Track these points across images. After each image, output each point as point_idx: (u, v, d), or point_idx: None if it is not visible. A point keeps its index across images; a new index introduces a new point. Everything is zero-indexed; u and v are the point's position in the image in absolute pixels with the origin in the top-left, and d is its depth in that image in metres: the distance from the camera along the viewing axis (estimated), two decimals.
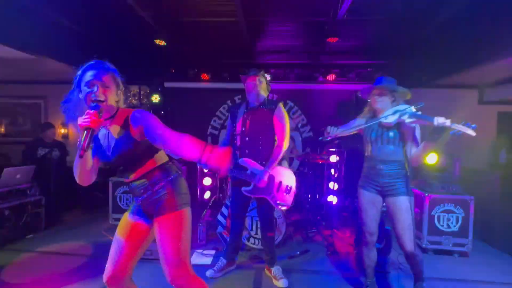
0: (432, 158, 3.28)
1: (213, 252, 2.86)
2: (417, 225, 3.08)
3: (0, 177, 2.88)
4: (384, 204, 1.94)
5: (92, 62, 1.31)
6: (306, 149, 4.91)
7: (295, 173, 3.65)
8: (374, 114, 1.99)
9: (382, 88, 1.90)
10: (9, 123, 5.62)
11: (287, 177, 2.27)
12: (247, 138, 2.22)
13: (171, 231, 1.30)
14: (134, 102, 5.48)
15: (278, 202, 2.23)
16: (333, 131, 1.91)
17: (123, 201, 3.41)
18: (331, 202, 4.24)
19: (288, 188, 2.27)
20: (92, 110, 1.14)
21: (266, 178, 2.15)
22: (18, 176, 3.06)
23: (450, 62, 3.90)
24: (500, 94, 4.54)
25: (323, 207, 3.88)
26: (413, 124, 1.80)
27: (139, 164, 1.34)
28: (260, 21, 3.61)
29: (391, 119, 1.79)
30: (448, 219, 2.85)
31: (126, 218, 1.41)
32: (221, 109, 5.14)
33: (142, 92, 5.39)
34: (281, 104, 2.27)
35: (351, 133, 1.99)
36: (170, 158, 1.47)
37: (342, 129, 1.95)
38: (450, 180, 2.98)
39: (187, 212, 1.37)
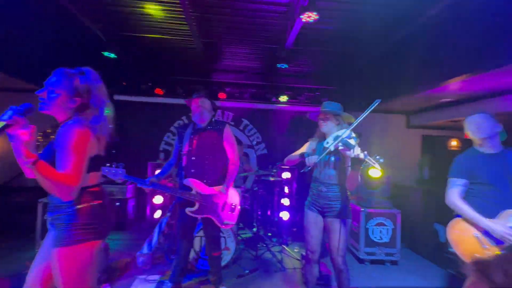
0: (375, 173, 3.68)
1: (157, 276, 2.70)
2: (355, 237, 3.37)
3: None
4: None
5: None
6: (258, 166, 5.06)
7: (247, 191, 3.76)
8: (323, 137, 2.09)
9: (326, 113, 2.00)
10: None
11: (231, 196, 2.34)
12: (193, 158, 2.23)
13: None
14: None
15: (223, 221, 2.26)
16: (312, 160, 1.89)
17: None
18: (282, 218, 4.39)
19: (233, 206, 2.33)
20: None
21: (224, 196, 2.23)
22: None
23: (380, 90, 4.49)
24: (424, 119, 5.33)
25: (274, 224, 3.99)
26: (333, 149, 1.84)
27: None
28: (215, 42, 3.74)
29: (330, 145, 1.86)
30: (380, 231, 3.18)
31: None
32: (175, 124, 5.04)
33: None
34: (227, 125, 2.36)
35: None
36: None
37: (311, 157, 1.91)
38: (383, 196, 3.35)
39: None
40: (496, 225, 1.61)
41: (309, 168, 1.89)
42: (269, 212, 4.15)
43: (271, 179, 3.77)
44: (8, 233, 3.70)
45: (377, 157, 1.66)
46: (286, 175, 4.55)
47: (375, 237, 3.17)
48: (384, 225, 3.19)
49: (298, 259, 3.23)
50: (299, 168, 2.20)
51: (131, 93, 4.76)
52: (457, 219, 1.78)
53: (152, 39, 3.64)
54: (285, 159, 2.19)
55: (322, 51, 3.80)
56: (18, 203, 4.05)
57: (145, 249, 2.91)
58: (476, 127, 1.78)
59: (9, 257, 3.07)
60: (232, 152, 2.31)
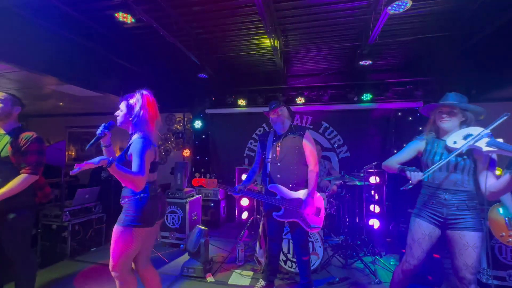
0: None
1: (251, 273, 2.93)
2: None
3: (74, 197, 3.42)
4: (439, 235, 1.74)
5: None
6: (342, 170, 4.82)
7: (333, 196, 3.64)
8: (436, 135, 1.79)
9: (453, 106, 1.67)
10: (79, 149, 6.63)
11: (316, 200, 2.33)
12: (278, 164, 2.34)
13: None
14: (179, 127, 6.05)
15: (310, 225, 2.28)
16: (417, 177, 1.57)
17: (170, 220, 3.72)
18: (373, 226, 4.04)
19: (318, 210, 2.32)
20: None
21: (310, 203, 2.27)
22: (86, 196, 3.59)
23: (501, 72, 3.59)
24: None
25: (363, 231, 3.71)
26: (487, 153, 1.50)
27: None
28: (293, 50, 3.84)
29: (461, 145, 1.53)
30: None
31: None
32: (257, 131, 5.38)
33: (185, 119, 5.94)
34: (307, 131, 2.40)
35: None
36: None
37: (415, 174, 1.60)
38: None
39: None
40: None
41: (412, 186, 1.59)
42: (357, 219, 3.90)
43: (358, 183, 3.55)
44: None
45: None
46: (374, 179, 4.19)
47: (504, 258, 2.54)
48: None
49: None
50: (398, 180, 1.90)
51: (219, 106, 5.37)
52: (498, 203, 2.22)
53: (235, 56, 4.04)
54: (384, 164, 1.86)
55: (412, 40, 3.36)
56: None
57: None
58: None
59: None
60: (310, 158, 2.33)
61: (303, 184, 2.34)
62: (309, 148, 2.33)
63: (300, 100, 4.83)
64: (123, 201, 1.68)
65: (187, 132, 5.85)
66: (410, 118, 4.57)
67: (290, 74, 4.93)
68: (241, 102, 5.11)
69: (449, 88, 4.37)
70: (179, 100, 5.48)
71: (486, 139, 1.45)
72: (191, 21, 3.07)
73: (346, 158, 4.96)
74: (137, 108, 1.68)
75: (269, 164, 2.38)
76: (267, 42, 3.45)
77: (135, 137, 1.64)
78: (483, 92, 4.06)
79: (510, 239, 2.13)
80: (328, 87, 4.85)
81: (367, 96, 4.58)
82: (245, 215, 4.80)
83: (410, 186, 1.59)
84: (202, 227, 2.91)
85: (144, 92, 1.73)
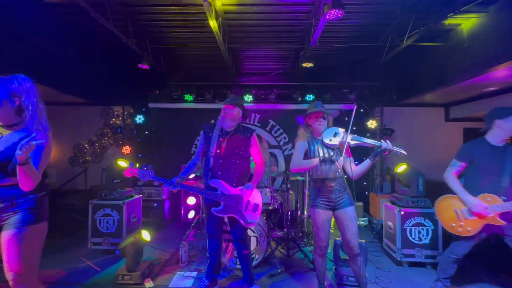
0: (401, 167, 3.49)
1: (194, 273, 2.85)
2: (391, 238, 3.23)
3: None
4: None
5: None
6: (287, 166, 5.06)
7: (277, 191, 3.79)
8: (312, 136, 2.20)
9: (325, 113, 2.12)
10: None
11: (254, 196, 2.39)
12: (221, 161, 2.31)
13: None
14: (118, 122, 5.51)
15: (247, 220, 2.33)
16: (341, 161, 1.97)
17: (103, 224, 3.36)
18: None
19: (255, 205, 2.38)
20: None
21: (248, 195, 2.32)
22: None
23: (414, 82, 4.24)
24: (465, 111, 4.93)
25: (304, 224, 3.97)
26: (353, 146, 2.02)
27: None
28: (240, 47, 3.85)
29: (335, 141, 2.01)
30: (419, 232, 3.00)
31: None
32: (208, 124, 5.24)
33: (125, 113, 5.44)
34: (254, 132, 2.45)
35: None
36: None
37: (339, 158, 1.99)
38: (417, 195, 3.17)
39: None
40: (475, 201, 2.14)
41: (339, 170, 2.02)
42: (299, 212, 4.14)
43: (300, 179, 3.76)
44: (63, 231, 4.15)
45: (402, 146, 1.88)
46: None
47: (413, 238, 3.01)
48: (424, 225, 3.01)
49: (331, 260, 3.18)
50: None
51: (164, 101, 5.07)
52: (446, 195, 2.36)
53: (180, 49, 3.86)
54: (295, 166, 2.12)
55: (347, 48, 3.71)
56: (71, 205, 4.52)
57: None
58: None
59: (65, 252, 3.44)
60: (258, 157, 2.42)
61: (243, 183, 2.37)
62: (255, 149, 2.40)
63: (248, 98, 4.88)
64: (17, 201, 1.42)
65: (127, 127, 5.36)
66: (346, 119, 5.06)
67: (239, 72, 4.95)
68: (188, 97, 4.92)
69: (377, 92, 4.94)
70: (117, 92, 4.97)
71: (350, 135, 1.99)
72: (127, 4, 2.80)
73: (291, 155, 5.20)
74: (32, 99, 1.44)
75: (212, 158, 2.33)
76: (211, 36, 3.37)
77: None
78: (401, 98, 4.74)
79: (460, 229, 2.24)
80: (275, 86, 5.02)
81: (309, 97, 4.89)
82: (191, 214, 4.63)
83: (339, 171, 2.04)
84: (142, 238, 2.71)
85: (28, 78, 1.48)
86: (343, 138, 1.99)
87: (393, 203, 3.30)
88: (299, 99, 4.92)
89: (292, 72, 4.82)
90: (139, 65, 3.76)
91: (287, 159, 5.20)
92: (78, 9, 2.81)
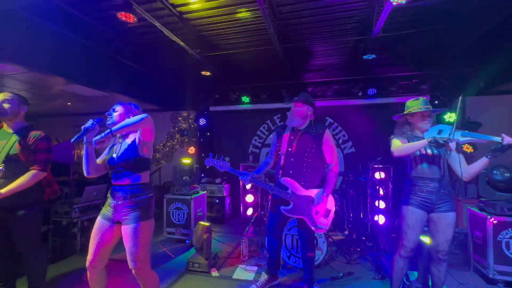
0: (500, 173, 2.92)
1: (255, 268, 2.96)
2: (480, 251, 2.74)
3: (82, 194, 3.51)
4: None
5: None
6: (347, 166, 4.79)
7: (336, 192, 3.63)
8: (412, 134, 2.03)
9: (429, 111, 1.97)
10: None
11: (328, 201, 2.28)
12: (292, 159, 2.28)
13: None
14: (184, 125, 6.11)
15: (317, 225, 2.25)
16: (453, 146, 1.88)
17: (175, 216, 3.78)
18: (378, 221, 4.01)
19: (328, 211, 2.28)
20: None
21: (323, 202, 2.23)
22: (94, 193, 3.68)
23: (499, 67, 3.49)
24: None
25: (368, 227, 3.69)
26: (463, 143, 1.83)
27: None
28: (295, 45, 3.81)
29: (441, 139, 1.81)
30: None
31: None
32: (261, 128, 5.38)
33: (190, 116, 5.99)
34: (327, 129, 2.32)
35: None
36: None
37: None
38: None
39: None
40: None
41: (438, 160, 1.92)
42: (361, 215, 3.88)
43: (362, 179, 3.53)
44: None
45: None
46: (379, 175, 4.15)
47: (511, 253, 2.49)
48: None
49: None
50: (395, 163, 2.10)
51: (223, 103, 5.39)
52: None
53: (237, 54, 4.04)
54: (398, 150, 1.94)
55: (417, 33, 3.29)
56: None
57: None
58: None
59: None
60: (331, 158, 2.28)
61: (315, 184, 2.29)
62: (329, 146, 2.27)
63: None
64: (133, 199, 1.70)
65: (192, 130, 5.90)
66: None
67: (296, 69, 4.91)
68: (245, 98, 5.12)
69: (457, 81, 4.28)
70: (183, 98, 5.53)
71: (459, 131, 1.79)
72: (191, 19, 3.08)
73: (351, 154, 4.92)
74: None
75: (283, 156, 2.31)
76: (268, 37, 3.43)
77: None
78: (491, 85, 3.96)
79: None
80: (332, 82, 4.81)
81: (372, 91, 4.52)
82: (250, 211, 4.83)
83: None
84: (204, 223, 2.95)
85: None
86: (450, 135, 1.78)
87: (481, 209, 2.80)
88: (360, 93, 4.60)
89: (351, 66, 4.53)
90: (202, 72, 4.10)
91: (347, 158, 4.93)
92: (151, 29, 3.24)
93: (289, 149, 2.28)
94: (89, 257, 1.73)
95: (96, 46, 3.40)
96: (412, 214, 1.96)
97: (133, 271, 1.70)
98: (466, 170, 1.90)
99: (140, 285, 1.78)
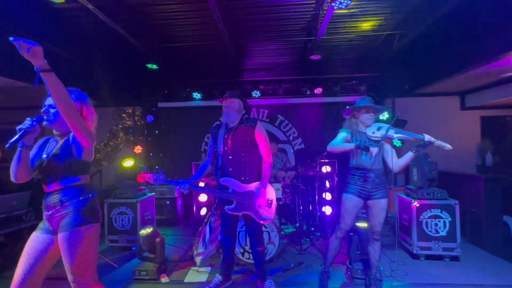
0: None
1: (209, 269, 2.88)
2: (406, 231, 3.16)
3: None
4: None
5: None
6: (297, 161, 5.03)
7: (288, 187, 3.77)
8: (357, 128, 2.28)
9: (373, 107, 2.22)
10: (3, 148, 5.70)
11: (267, 192, 2.36)
12: (230, 157, 2.30)
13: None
14: (129, 122, 5.61)
15: (262, 217, 2.31)
16: (374, 151, 2.08)
17: (119, 222, 3.44)
18: (325, 212, 4.31)
19: (269, 202, 2.36)
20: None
21: (263, 195, 2.28)
22: (14, 202, 3.11)
23: (428, 70, 4.10)
24: (482, 99, 4.73)
25: (316, 218, 3.94)
26: (396, 138, 2.15)
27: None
28: (245, 42, 3.82)
29: (379, 134, 2.13)
30: (436, 224, 2.92)
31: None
32: (214, 126, 5.26)
33: (136, 113, 5.53)
34: (259, 122, 2.40)
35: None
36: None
37: (374, 148, 2.11)
38: (435, 186, 3.08)
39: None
40: None
41: (371, 155, 2.14)
42: (311, 207, 4.11)
43: (311, 173, 3.74)
44: None
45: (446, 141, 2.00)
46: (326, 169, 4.45)
47: (430, 231, 2.93)
48: (440, 217, 2.93)
49: (344, 254, 3.15)
50: (340, 157, 2.36)
51: (173, 100, 5.11)
52: None
53: (187, 47, 3.86)
54: (331, 146, 2.23)
55: (357, 37, 3.62)
56: None
57: (200, 248, 2.98)
58: None
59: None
60: (264, 149, 2.34)
61: (255, 177, 2.35)
62: (261, 139, 2.32)
63: (256, 93, 4.86)
64: (65, 204, 1.44)
65: (138, 127, 5.45)
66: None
67: (246, 67, 4.92)
68: (196, 95, 4.94)
69: (388, 83, 4.82)
70: (127, 93, 5.05)
71: (393, 129, 2.12)
72: (134, 5, 2.82)
73: (301, 149, 5.18)
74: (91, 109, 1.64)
75: (220, 157, 2.33)
76: (218, 32, 3.35)
77: None
78: (414, 88, 4.60)
79: None
80: (282, 81, 4.97)
81: (318, 90, 4.82)
82: (203, 211, 4.70)
83: (370, 156, 2.15)
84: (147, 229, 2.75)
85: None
86: (386, 132, 2.10)
87: (407, 195, 3.23)
88: (308, 92, 4.86)
89: (300, 66, 4.75)
90: (147, 65, 3.80)
91: (297, 154, 5.16)
92: (84, 13, 2.86)
93: (225, 148, 2.31)
94: (16, 283, 1.38)
95: (14, 28, 2.85)
96: (350, 201, 2.22)
97: (72, 286, 1.42)
98: (396, 162, 2.21)
99: None
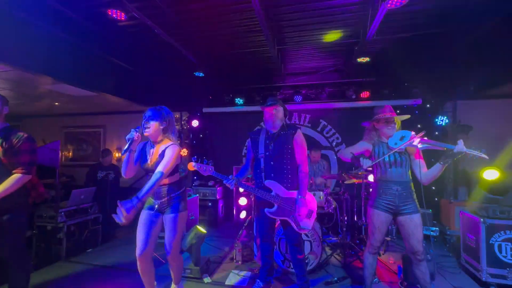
0: (491, 174, 2.96)
1: (249, 273, 2.90)
2: (472, 253, 2.76)
3: (69, 198, 3.38)
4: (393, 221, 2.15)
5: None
6: (340, 168, 4.80)
7: (331, 194, 3.61)
8: (379, 139, 2.19)
9: (393, 117, 2.12)
10: (76, 149, 6.57)
11: (309, 201, 2.29)
12: (272, 163, 2.28)
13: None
14: (177, 126, 6.00)
15: (300, 226, 2.24)
16: (366, 163, 2.10)
17: None
18: None
19: (310, 212, 2.28)
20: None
21: (304, 205, 2.22)
22: (82, 196, 3.55)
23: (492, 71, 3.56)
24: None
25: (362, 230, 3.69)
26: (422, 148, 1.99)
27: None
28: (289, 47, 3.80)
29: (402, 144, 1.99)
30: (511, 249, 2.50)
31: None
32: (255, 130, 5.33)
33: (183, 118, 5.89)
34: (299, 129, 2.35)
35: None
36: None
37: (366, 161, 2.17)
38: (510, 204, 2.64)
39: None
40: None
41: (362, 169, 2.16)
42: (356, 217, 3.87)
43: (355, 181, 3.52)
44: (133, 226, 4.68)
45: (483, 149, 1.74)
46: (372, 178, 4.15)
47: (504, 256, 2.51)
48: None
49: (395, 272, 2.89)
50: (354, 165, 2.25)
51: (216, 105, 5.33)
52: None
53: (231, 55, 3.99)
54: (340, 153, 2.31)
55: (411, 37, 3.32)
56: None
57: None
58: None
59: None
60: (300, 158, 2.29)
61: (296, 184, 2.30)
62: (299, 146, 2.29)
63: (298, 98, 4.79)
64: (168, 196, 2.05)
65: (185, 132, 5.80)
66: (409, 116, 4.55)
67: (288, 72, 4.89)
68: (239, 100, 5.07)
69: (448, 85, 4.30)
70: (176, 99, 5.43)
71: (418, 138, 1.94)
72: (186, 19, 3.02)
73: None
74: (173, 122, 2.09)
75: (262, 159, 2.31)
76: (263, 39, 3.40)
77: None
78: (481, 89, 4.04)
79: None
80: (326, 85, 4.82)
81: (365, 94, 4.55)
82: (243, 214, 4.76)
83: (361, 169, 2.14)
84: (200, 230, 2.87)
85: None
86: (410, 142, 1.95)
87: (474, 212, 2.83)
88: (354, 96, 4.62)
89: (345, 69, 4.55)
90: (195, 73, 4.03)
91: (340, 160, 4.93)
92: (143, 28, 3.15)
93: (267, 153, 2.30)
94: (140, 246, 2.04)
95: (86, 45, 3.28)
96: (378, 217, 2.10)
97: (168, 256, 2.15)
98: (424, 175, 2.03)
99: (171, 266, 2.27)
